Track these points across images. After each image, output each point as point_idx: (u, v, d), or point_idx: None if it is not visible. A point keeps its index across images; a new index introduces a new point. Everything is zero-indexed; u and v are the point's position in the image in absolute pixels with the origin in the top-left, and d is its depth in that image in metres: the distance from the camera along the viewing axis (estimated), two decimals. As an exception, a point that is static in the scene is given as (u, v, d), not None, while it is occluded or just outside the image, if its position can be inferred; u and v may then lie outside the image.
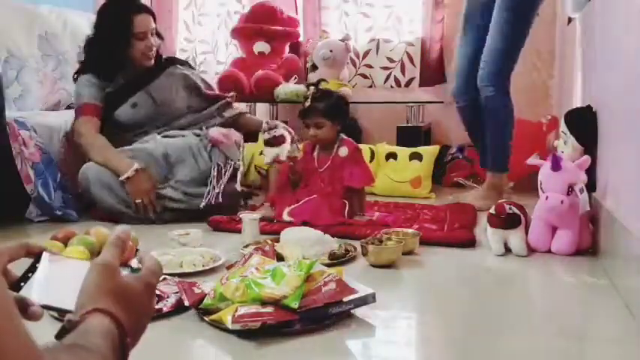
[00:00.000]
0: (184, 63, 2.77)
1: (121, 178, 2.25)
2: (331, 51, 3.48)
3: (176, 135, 2.45)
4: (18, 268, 0.72)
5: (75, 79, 2.54)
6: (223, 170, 2.37)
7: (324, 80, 3.32)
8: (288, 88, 3.43)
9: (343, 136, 2.31)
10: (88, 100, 2.43)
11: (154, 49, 2.49)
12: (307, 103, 2.26)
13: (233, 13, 3.99)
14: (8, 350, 0.43)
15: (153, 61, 2.51)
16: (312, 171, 2.28)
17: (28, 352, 0.45)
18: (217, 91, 2.83)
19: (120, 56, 2.44)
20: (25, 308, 0.66)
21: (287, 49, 3.74)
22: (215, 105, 2.64)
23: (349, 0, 3.76)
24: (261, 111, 3.77)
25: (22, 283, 0.71)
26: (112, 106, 2.45)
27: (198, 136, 2.46)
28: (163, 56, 2.66)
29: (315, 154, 2.30)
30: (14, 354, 0.43)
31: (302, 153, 2.29)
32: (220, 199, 2.30)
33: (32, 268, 0.73)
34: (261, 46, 3.60)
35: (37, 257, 0.74)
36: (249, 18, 3.64)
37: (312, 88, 2.32)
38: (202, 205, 2.29)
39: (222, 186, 2.33)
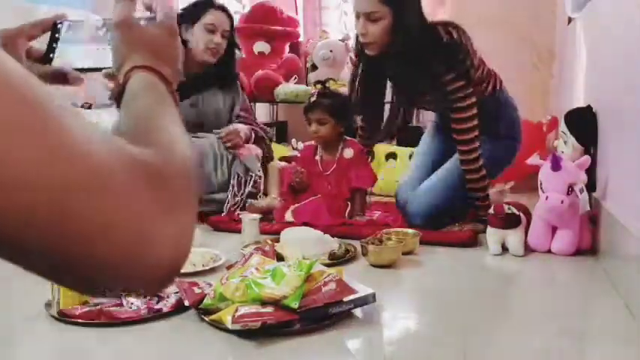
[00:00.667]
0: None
1: None
2: (331, 51, 3.48)
3: (200, 136, 2.42)
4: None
5: None
6: (243, 180, 2.37)
7: (332, 79, 3.33)
8: (288, 88, 3.43)
9: (346, 137, 2.31)
10: None
11: (220, 49, 2.44)
12: (313, 99, 2.26)
13: (233, 13, 3.99)
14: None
15: (214, 60, 2.45)
16: (317, 174, 2.28)
17: (111, 156, 0.36)
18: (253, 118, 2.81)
19: (183, 43, 2.36)
20: (64, 77, 0.66)
21: (287, 49, 3.74)
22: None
23: (349, 0, 3.76)
24: (261, 111, 3.77)
25: (51, 55, 0.69)
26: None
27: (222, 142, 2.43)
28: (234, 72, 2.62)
29: (318, 157, 2.30)
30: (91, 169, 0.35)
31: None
32: (240, 209, 2.28)
33: (54, 39, 0.70)
34: (261, 46, 3.60)
35: (54, 27, 0.71)
36: (249, 18, 3.65)
37: (319, 85, 2.33)
38: (224, 214, 2.27)
39: (244, 196, 2.33)
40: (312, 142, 2.34)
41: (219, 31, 2.43)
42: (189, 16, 2.42)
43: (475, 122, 2.02)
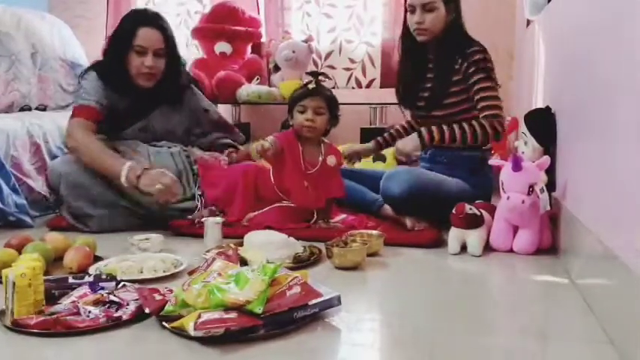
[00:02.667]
0: (195, 85, 2.58)
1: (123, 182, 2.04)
2: (294, 52, 3.46)
3: (163, 145, 2.34)
4: None
5: (81, 76, 2.33)
6: None
7: (323, 74, 3.26)
8: (250, 89, 3.40)
9: (326, 140, 2.24)
10: (87, 102, 2.21)
11: (153, 71, 2.24)
12: (311, 86, 2.16)
13: (193, 13, 3.94)
14: None
15: (151, 83, 2.27)
16: (297, 170, 2.14)
17: None
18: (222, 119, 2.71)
19: (120, 67, 2.24)
20: None
21: (249, 49, 3.71)
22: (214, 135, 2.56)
23: (311, 0, 3.75)
24: (223, 113, 3.72)
25: None
26: (120, 124, 2.30)
27: (187, 157, 2.35)
28: (183, 80, 2.44)
29: (300, 151, 2.17)
30: None
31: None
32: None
33: None
34: (222, 47, 3.56)
35: None
36: (210, 18, 3.60)
37: (321, 76, 2.23)
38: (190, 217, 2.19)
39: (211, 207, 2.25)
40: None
41: (151, 51, 2.22)
42: (122, 42, 2.23)
43: (497, 111, 2.13)
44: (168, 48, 2.29)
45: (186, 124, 2.47)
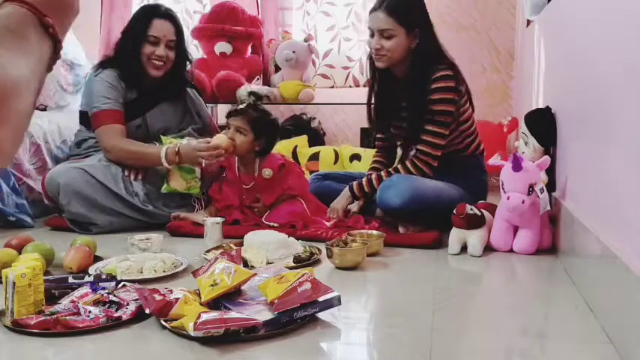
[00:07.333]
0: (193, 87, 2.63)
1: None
2: (294, 52, 3.46)
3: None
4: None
5: (94, 75, 2.34)
6: (206, 197, 2.33)
7: (267, 97, 3.28)
8: (250, 89, 3.40)
9: (262, 157, 2.23)
10: (108, 106, 2.28)
11: (163, 60, 2.34)
12: (241, 106, 2.24)
13: (193, 12, 3.94)
14: None
15: (160, 73, 2.35)
16: (236, 183, 2.25)
17: None
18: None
19: (134, 57, 2.31)
20: None
21: (249, 49, 3.71)
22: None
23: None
24: (223, 113, 3.72)
25: None
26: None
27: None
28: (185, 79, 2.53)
29: (236, 167, 2.26)
30: None
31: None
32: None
33: None
34: (222, 47, 3.56)
35: None
36: (210, 18, 3.60)
37: (252, 97, 2.33)
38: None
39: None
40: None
41: (163, 41, 2.33)
42: (137, 33, 2.32)
43: (441, 146, 2.09)
44: (179, 41, 2.40)
45: (179, 121, 2.50)
